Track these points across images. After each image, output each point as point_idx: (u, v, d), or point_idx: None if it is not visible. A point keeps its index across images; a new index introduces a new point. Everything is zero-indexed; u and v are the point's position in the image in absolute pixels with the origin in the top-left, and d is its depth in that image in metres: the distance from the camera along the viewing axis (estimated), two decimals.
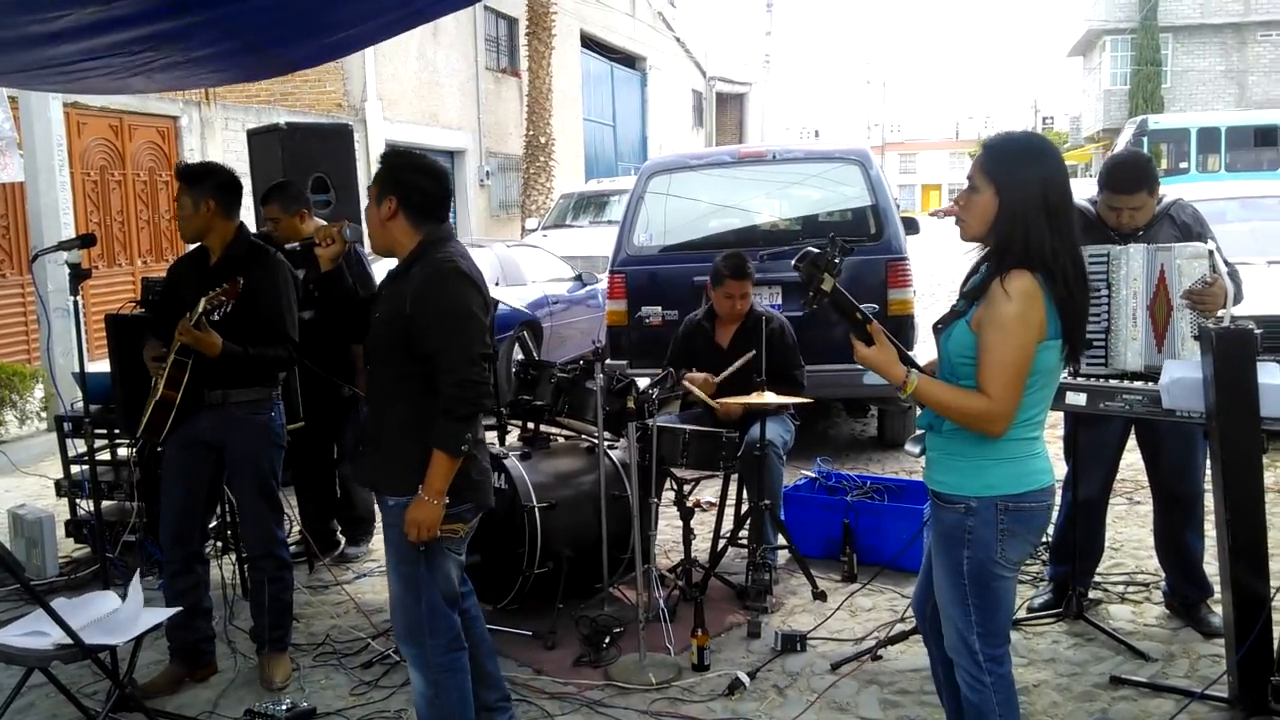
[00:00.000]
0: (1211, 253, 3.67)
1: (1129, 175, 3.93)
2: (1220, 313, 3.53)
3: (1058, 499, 3.23)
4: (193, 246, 3.99)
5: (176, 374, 3.73)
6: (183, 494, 3.91)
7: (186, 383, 3.74)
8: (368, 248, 3.95)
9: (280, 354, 3.86)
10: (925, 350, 3.01)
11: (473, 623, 3.26)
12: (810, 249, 2.62)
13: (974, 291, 2.57)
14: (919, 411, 2.68)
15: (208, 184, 3.84)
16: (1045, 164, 2.50)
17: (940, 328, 2.64)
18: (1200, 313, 3.60)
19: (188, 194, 3.81)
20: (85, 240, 4.38)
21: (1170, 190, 4.20)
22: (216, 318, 3.70)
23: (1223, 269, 3.66)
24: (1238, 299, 3.79)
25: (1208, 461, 4.07)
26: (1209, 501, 4.12)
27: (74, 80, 5.05)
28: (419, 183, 2.99)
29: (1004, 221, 2.49)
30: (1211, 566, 3.95)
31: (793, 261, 2.66)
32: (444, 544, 2.95)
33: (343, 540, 5.51)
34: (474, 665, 3.14)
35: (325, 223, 4.68)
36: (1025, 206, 2.46)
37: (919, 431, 2.73)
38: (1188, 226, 3.99)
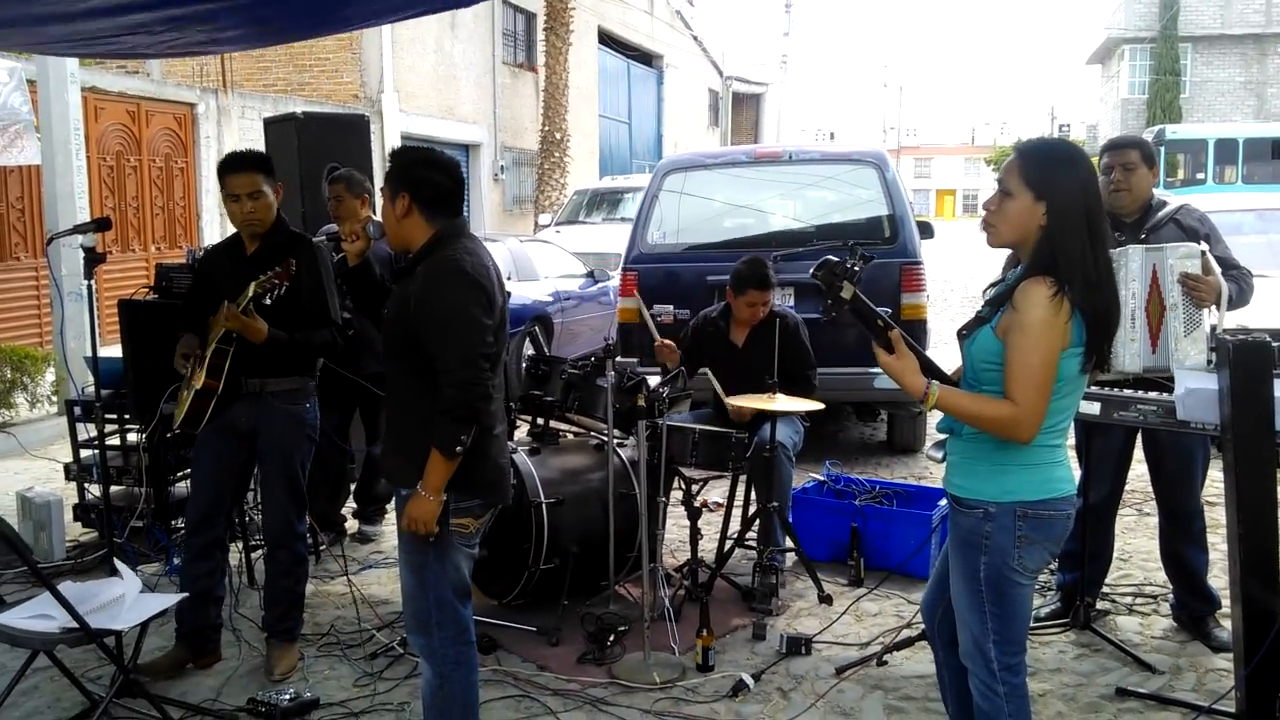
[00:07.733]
0: (1204, 253, 3.68)
1: (1124, 137, 4.27)
2: (1215, 311, 3.57)
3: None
4: (226, 236, 4.00)
5: (217, 363, 3.71)
6: (213, 480, 3.92)
7: (227, 371, 3.73)
8: None
9: (325, 338, 3.86)
10: (940, 354, 2.98)
11: None
12: (829, 257, 2.60)
13: (999, 298, 2.55)
14: (938, 415, 2.66)
15: (272, 172, 3.87)
16: (1082, 171, 2.48)
17: (965, 333, 2.62)
18: (1195, 304, 3.59)
19: (266, 181, 3.80)
20: (100, 224, 4.39)
21: (1186, 200, 4.19)
22: (269, 301, 3.65)
23: (1216, 270, 3.66)
24: (1242, 302, 3.81)
25: (1207, 475, 4.07)
26: (1215, 515, 4.11)
27: (93, 47, 5.06)
28: (431, 178, 2.96)
29: (1052, 230, 2.45)
30: (1221, 580, 3.92)
31: (810, 270, 2.64)
32: (454, 538, 2.94)
33: (352, 526, 5.55)
34: None
35: (377, 218, 4.75)
36: (1071, 215, 2.44)
37: (940, 437, 2.71)
38: (1194, 230, 3.98)
